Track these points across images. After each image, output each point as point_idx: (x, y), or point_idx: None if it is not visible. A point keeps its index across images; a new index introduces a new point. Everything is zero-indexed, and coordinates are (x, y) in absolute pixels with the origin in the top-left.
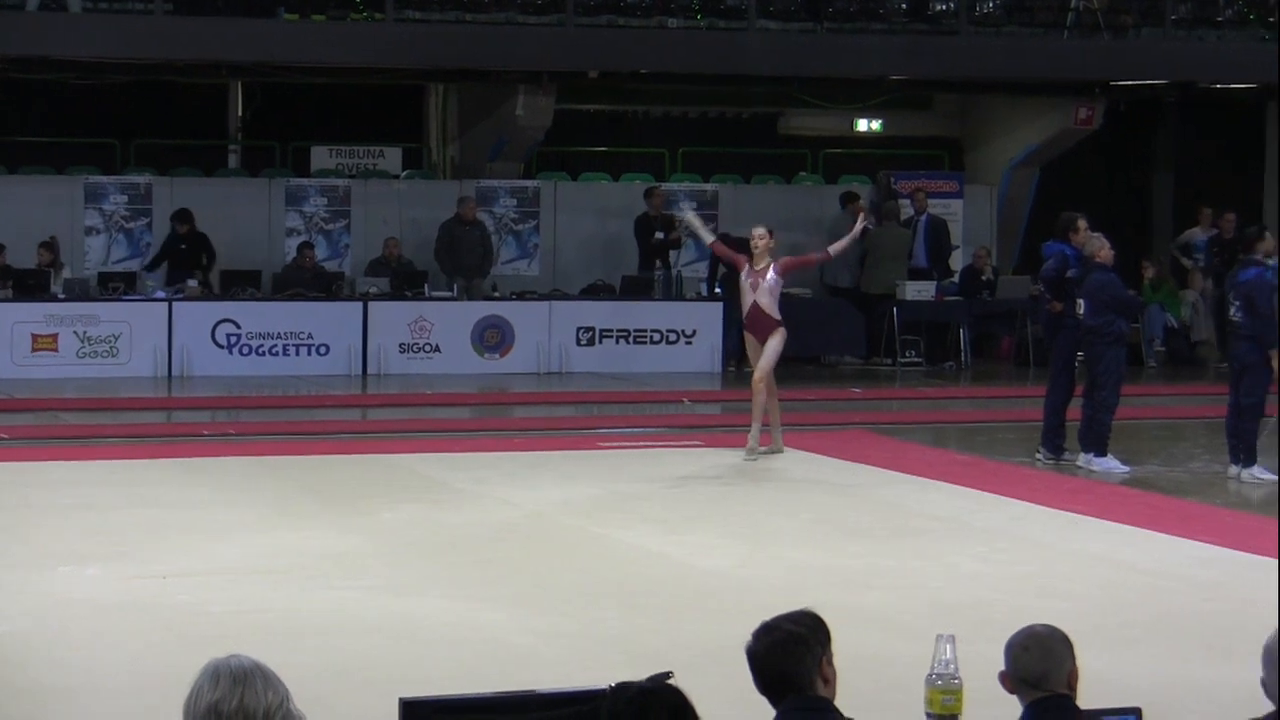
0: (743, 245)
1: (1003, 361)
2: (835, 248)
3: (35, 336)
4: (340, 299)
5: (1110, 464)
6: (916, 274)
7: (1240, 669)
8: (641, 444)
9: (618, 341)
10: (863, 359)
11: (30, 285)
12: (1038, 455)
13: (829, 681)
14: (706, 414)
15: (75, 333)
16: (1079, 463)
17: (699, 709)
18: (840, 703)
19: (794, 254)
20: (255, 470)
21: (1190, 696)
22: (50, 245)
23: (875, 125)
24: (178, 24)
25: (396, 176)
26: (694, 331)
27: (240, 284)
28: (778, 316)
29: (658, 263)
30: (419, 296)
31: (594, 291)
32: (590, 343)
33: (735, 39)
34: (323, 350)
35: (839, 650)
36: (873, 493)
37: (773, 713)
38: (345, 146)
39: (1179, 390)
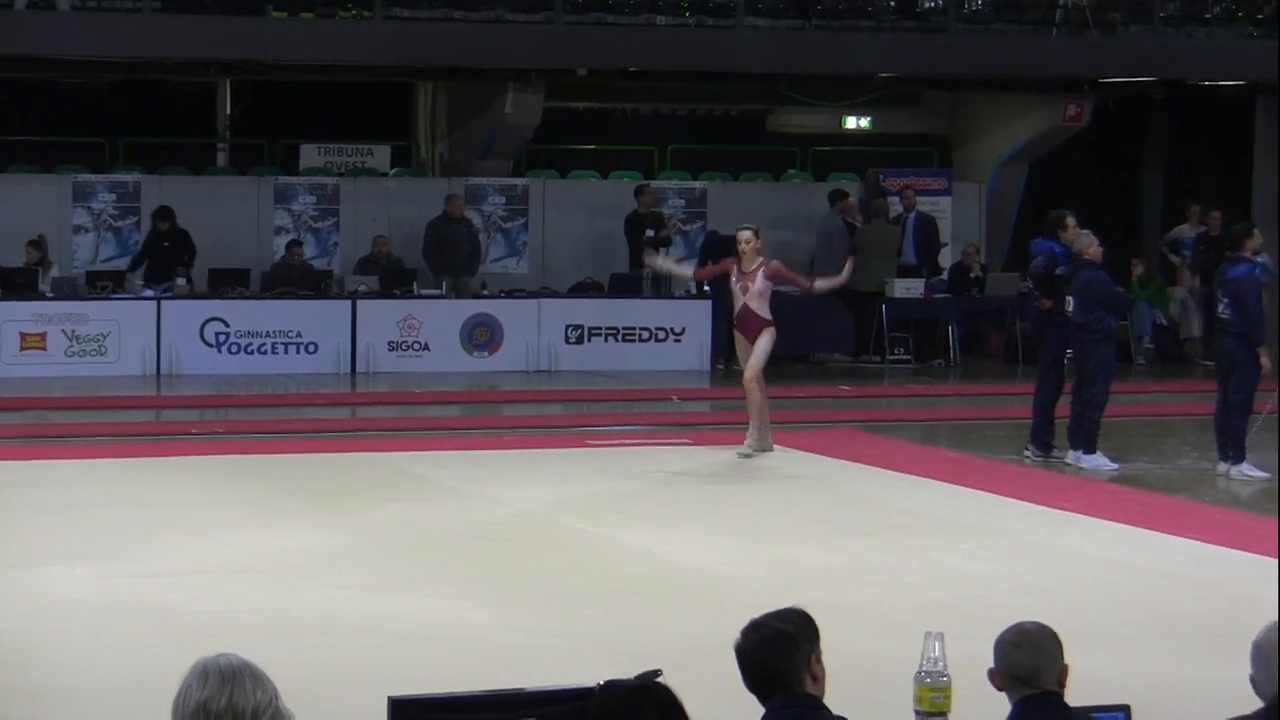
0: (730, 244)
1: (992, 359)
2: (819, 284)
3: (24, 335)
4: (329, 297)
5: (1099, 461)
6: (905, 271)
7: (1231, 666)
8: (630, 442)
9: (607, 339)
10: (852, 357)
11: (19, 284)
12: (1026, 452)
13: (818, 679)
14: (695, 412)
15: (64, 331)
16: (1068, 460)
17: (688, 707)
18: (829, 700)
19: (783, 256)
20: (244, 469)
21: (1181, 694)
22: (39, 244)
23: (864, 122)
24: (166, 22)
25: (385, 174)
26: (683, 329)
27: (229, 282)
28: (768, 316)
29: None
30: (408, 295)
31: (583, 289)
32: (579, 341)
33: (724, 36)
34: (311, 349)
35: (828, 648)
36: (862, 490)
37: (761, 711)
38: (334, 145)
39: (1168, 387)
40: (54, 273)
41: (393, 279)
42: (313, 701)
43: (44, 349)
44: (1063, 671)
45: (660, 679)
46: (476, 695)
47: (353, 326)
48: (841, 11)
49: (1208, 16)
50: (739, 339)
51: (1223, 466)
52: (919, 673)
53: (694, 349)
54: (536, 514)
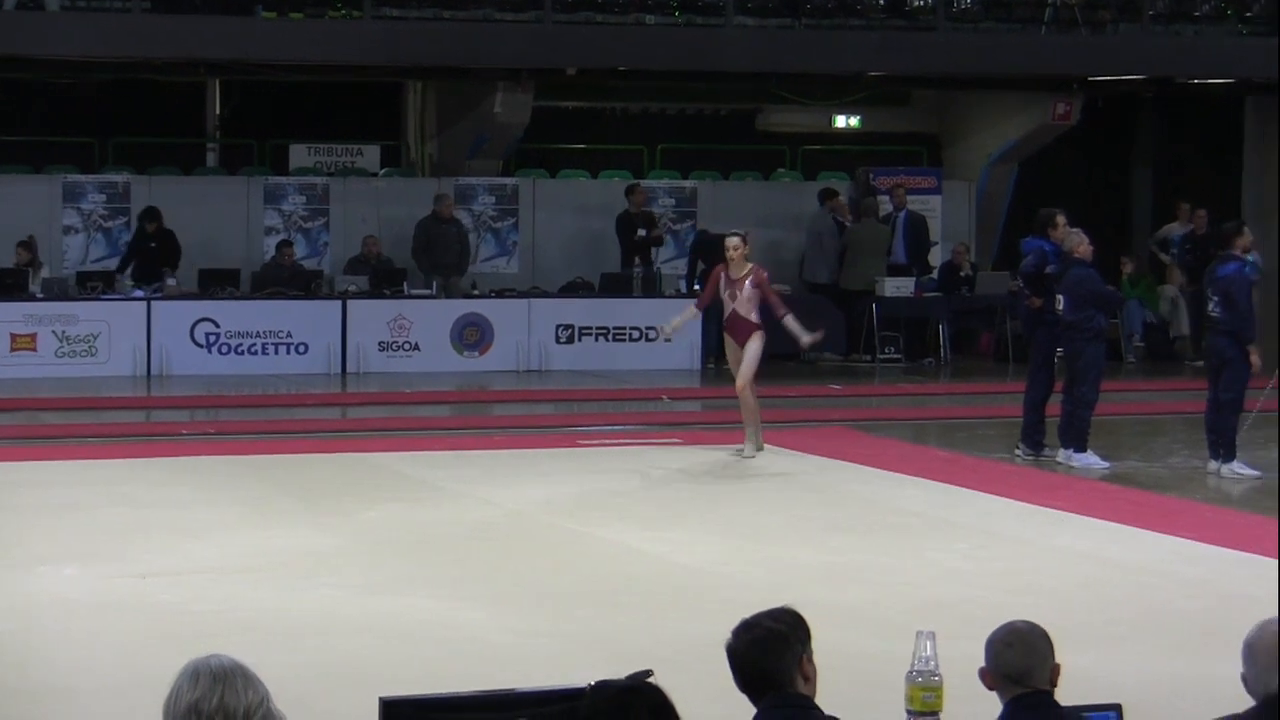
0: (720, 244)
1: (982, 357)
2: (788, 321)
3: (14, 336)
4: (319, 297)
5: (1090, 460)
6: (895, 270)
7: (1222, 665)
8: (621, 441)
9: (597, 339)
10: (842, 356)
11: (8, 285)
12: (1017, 451)
13: (809, 679)
14: (686, 411)
15: (54, 332)
16: (1059, 458)
17: (679, 707)
18: (821, 700)
19: (773, 255)
20: (235, 469)
21: (1172, 692)
22: (28, 244)
23: (854, 121)
24: (155, 22)
25: (375, 174)
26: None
27: (219, 283)
28: (757, 321)
29: (636, 260)
30: (398, 295)
31: (573, 289)
32: (570, 340)
33: (713, 35)
34: (302, 349)
35: (819, 647)
36: (852, 489)
37: (753, 710)
38: (324, 144)
39: (1158, 385)
40: (44, 273)
41: (383, 279)
42: (304, 702)
43: (34, 350)
44: (1054, 670)
45: (651, 679)
46: (468, 696)
47: (343, 327)
48: (831, 10)
49: (1197, 15)
50: (729, 342)
51: (1213, 465)
52: (911, 672)
53: (684, 349)
54: (527, 514)
